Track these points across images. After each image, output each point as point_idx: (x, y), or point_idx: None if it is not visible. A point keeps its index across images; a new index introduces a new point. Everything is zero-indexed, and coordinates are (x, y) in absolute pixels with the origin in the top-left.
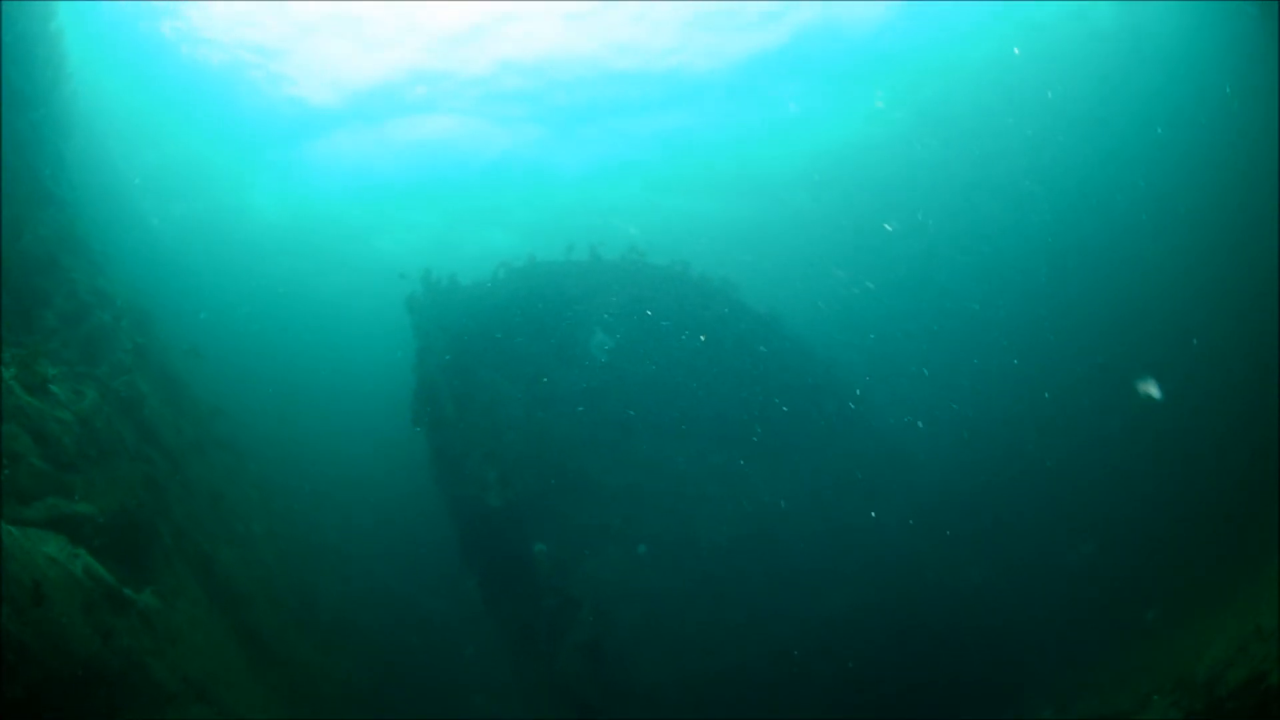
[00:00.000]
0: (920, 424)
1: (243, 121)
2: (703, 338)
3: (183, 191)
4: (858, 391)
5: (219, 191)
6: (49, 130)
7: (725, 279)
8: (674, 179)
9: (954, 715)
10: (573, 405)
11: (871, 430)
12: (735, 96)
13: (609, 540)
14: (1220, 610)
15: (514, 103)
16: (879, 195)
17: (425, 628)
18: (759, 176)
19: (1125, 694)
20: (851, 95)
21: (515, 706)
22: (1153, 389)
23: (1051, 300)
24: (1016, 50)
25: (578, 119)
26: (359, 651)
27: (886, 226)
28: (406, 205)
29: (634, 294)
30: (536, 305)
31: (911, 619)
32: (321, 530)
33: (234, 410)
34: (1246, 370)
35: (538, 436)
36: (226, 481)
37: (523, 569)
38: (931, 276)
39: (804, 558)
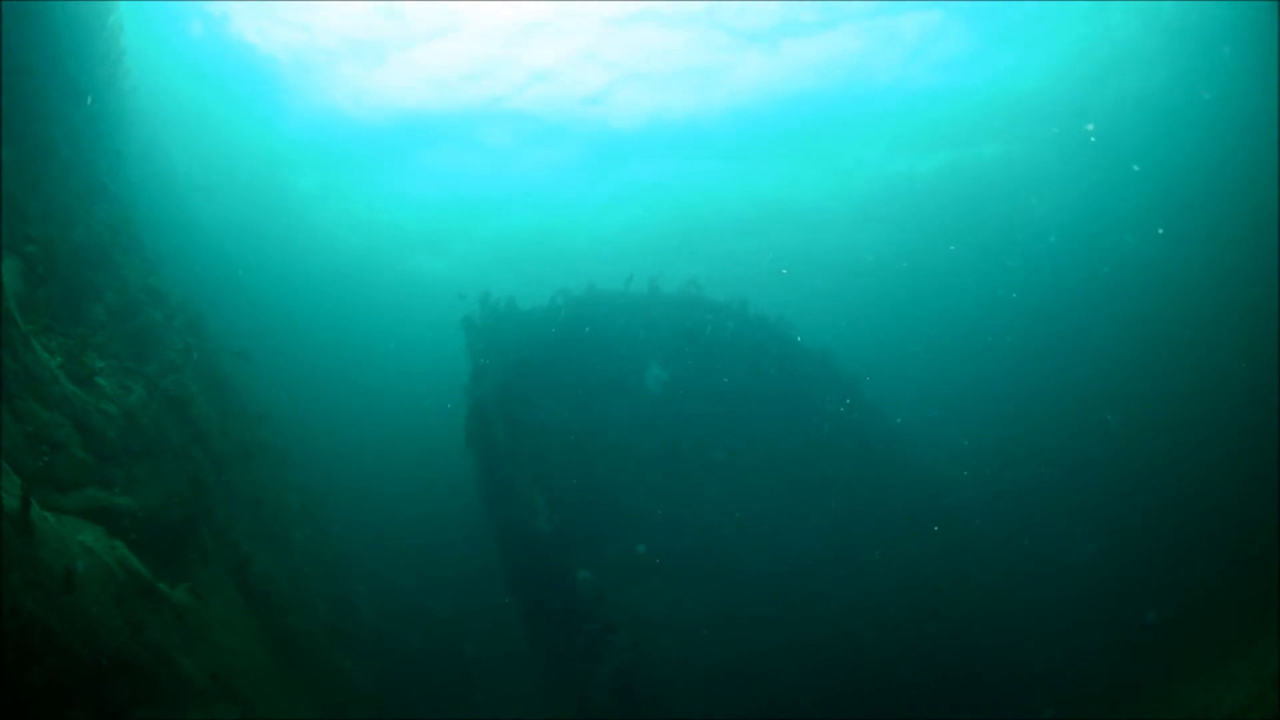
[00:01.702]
0: (947, 438)
1: (304, 125)
2: (752, 372)
3: (239, 192)
4: (899, 423)
5: (276, 194)
6: (106, 124)
7: (781, 318)
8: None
9: (954, 715)
10: (623, 435)
11: (912, 466)
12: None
13: (650, 571)
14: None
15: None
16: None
17: (461, 647)
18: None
19: None
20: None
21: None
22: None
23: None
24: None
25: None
26: (392, 664)
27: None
28: (467, 220)
29: (689, 328)
30: (592, 334)
31: (913, 619)
32: (362, 542)
33: (281, 415)
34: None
35: (587, 465)
36: (269, 486)
37: (564, 594)
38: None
39: (842, 594)
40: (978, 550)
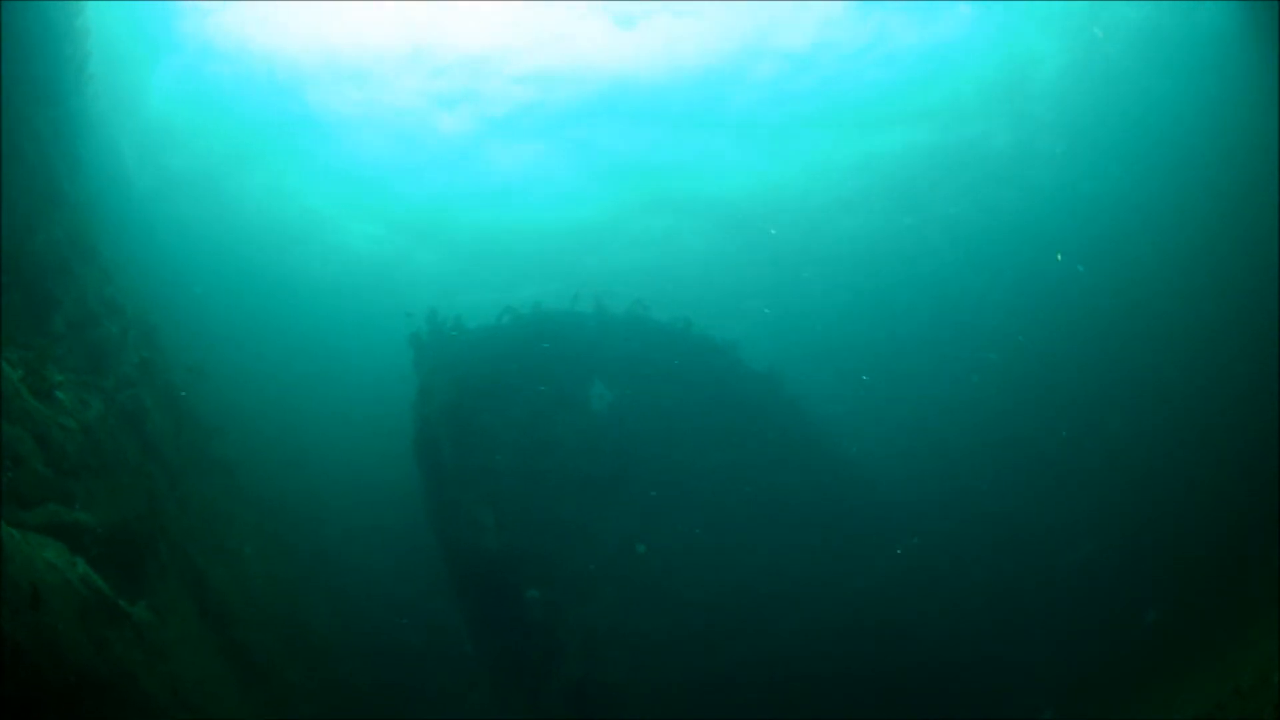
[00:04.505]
0: (926, 424)
1: (264, 133)
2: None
3: (196, 201)
4: (853, 424)
5: (233, 202)
6: (68, 130)
7: (727, 339)
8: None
9: (954, 716)
10: (570, 454)
11: (867, 484)
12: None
13: (598, 590)
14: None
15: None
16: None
17: (411, 660)
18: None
19: None
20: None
21: None
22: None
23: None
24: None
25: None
26: (345, 677)
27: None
28: (432, 230)
29: (635, 348)
30: (539, 353)
31: (912, 623)
32: (313, 556)
33: (233, 430)
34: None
35: (534, 483)
36: (222, 500)
37: (513, 611)
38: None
39: (797, 609)
40: (977, 551)
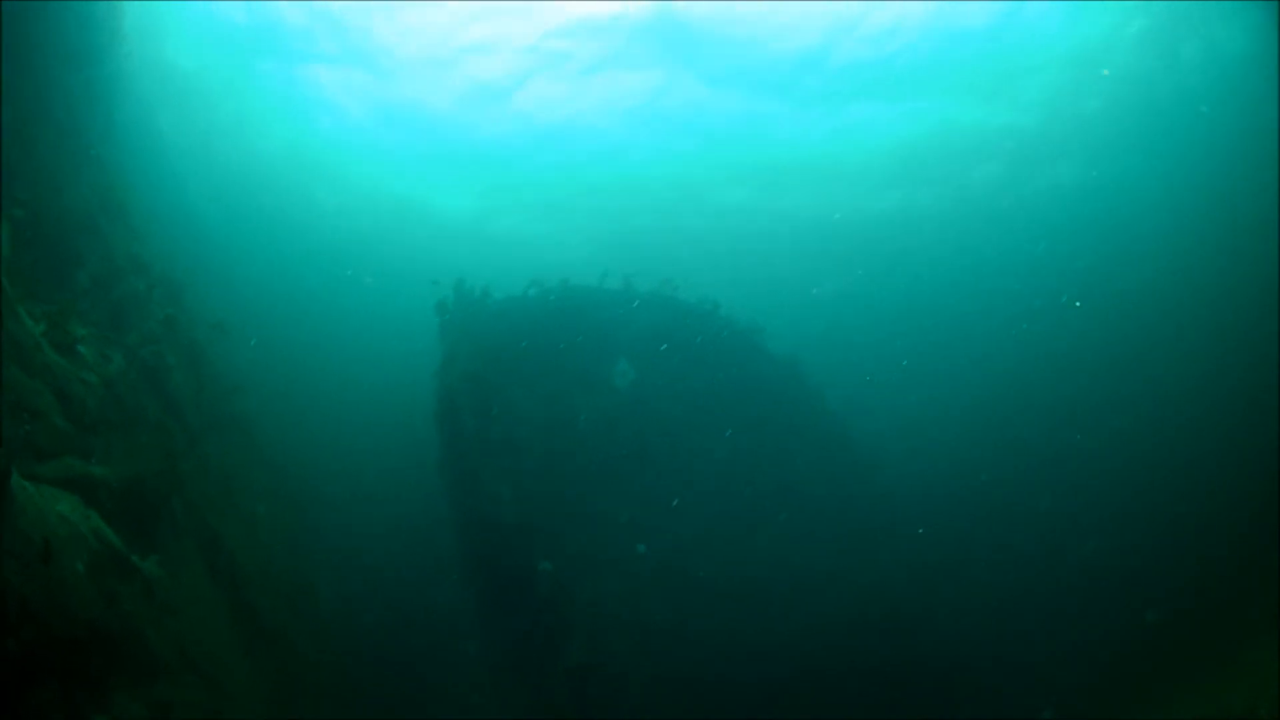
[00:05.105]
0: (927, 424)
1: (299, 97)
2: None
3: (226, 159)
4: (870, 423)
5: (264, 164)
6: (101, 90)
7: (753, 322)
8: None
9: (955, 715)
10: (591, 430)
11: (881, 477)
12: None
13: (611, 568)
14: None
15: None
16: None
17: (419, 629)
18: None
19: None
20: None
21: (501, 713)
22: None
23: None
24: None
25: None
26: (350, 644)
27: None
28: (459, 185)
29: (661, 328)
30: (565, 327)
31: (914, 619)
32: (327, 521)
33: (253, 389)
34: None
35: (554, 459)
36: (239, 460)
37: (524, 585)
38: (940, 282)
39: (804, 600)
40: (977, 552)
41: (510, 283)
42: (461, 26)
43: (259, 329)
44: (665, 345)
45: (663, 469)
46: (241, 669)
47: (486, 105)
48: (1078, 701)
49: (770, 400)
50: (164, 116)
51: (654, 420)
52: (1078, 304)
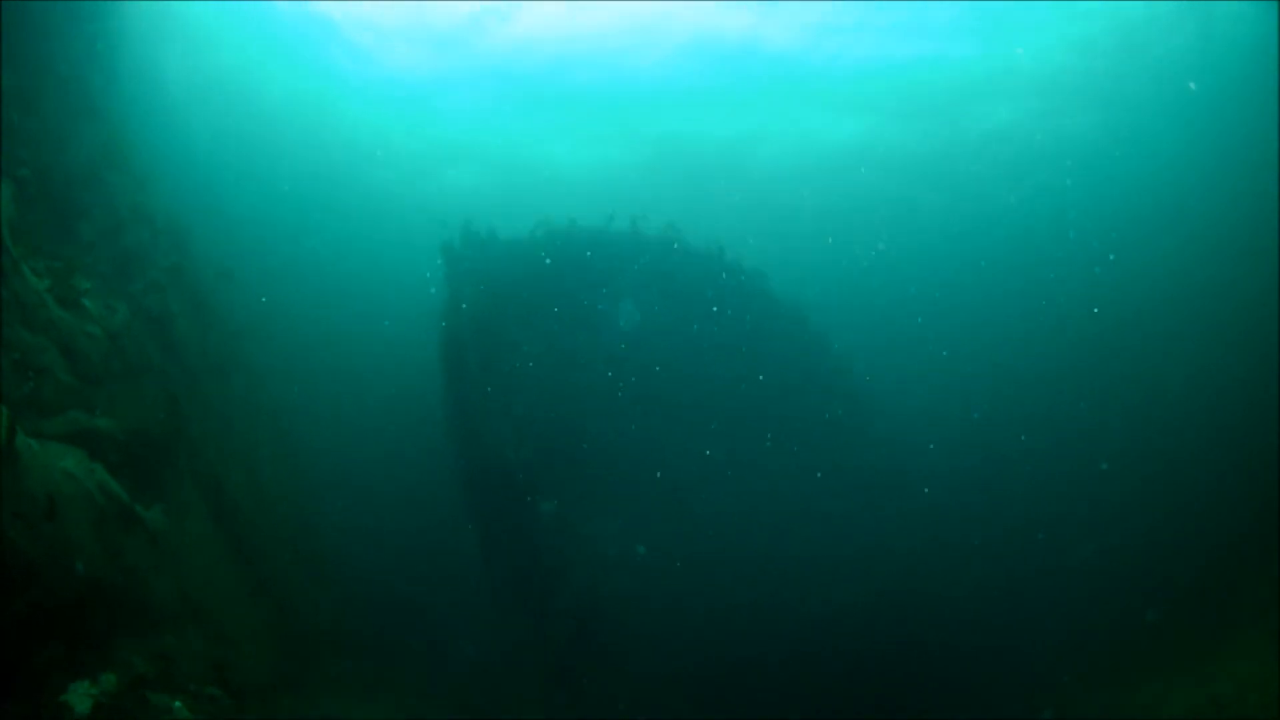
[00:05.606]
0: (928, 422)
1: (309, 42)
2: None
3: (231, 107)
4: (868, 389)
5: (268, 109)
6: (105, 43)
7: (756, 269)
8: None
9: (955, 715)
10: (593, 373)
11: (880, 429)
12: None
13: (610, 509)
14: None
15: None
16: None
17: (421, 570)
18: None
19: None
20: None
21: (503, 657)
22: None
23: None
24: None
25: None
26: (351, 588)
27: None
28: (481, 132)
29: (665, 270)
30: (570, 269)
31: (913, 618)
32: (329, 464)
33: (258, 333)
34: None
35: (557, 398)
36: (242, 405)
37: (525, 526)
38: (945, 279)
39: (805, 550)
40: (978, 551)
41: (517, 225)
42: None
43: (265, 275)
44: (671, 287)
45: (664, 414)
46: (245, 613)
47: (491, 27)
48: (1078, 701)
49: (775, 343)
50: (169, 62)
51: (658, 361)
52: (1095, 310)
